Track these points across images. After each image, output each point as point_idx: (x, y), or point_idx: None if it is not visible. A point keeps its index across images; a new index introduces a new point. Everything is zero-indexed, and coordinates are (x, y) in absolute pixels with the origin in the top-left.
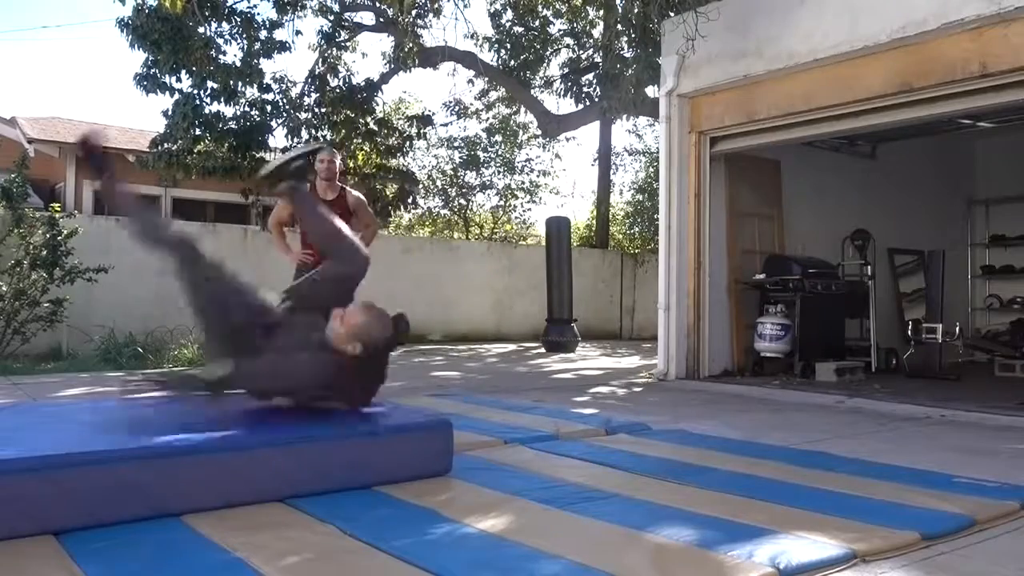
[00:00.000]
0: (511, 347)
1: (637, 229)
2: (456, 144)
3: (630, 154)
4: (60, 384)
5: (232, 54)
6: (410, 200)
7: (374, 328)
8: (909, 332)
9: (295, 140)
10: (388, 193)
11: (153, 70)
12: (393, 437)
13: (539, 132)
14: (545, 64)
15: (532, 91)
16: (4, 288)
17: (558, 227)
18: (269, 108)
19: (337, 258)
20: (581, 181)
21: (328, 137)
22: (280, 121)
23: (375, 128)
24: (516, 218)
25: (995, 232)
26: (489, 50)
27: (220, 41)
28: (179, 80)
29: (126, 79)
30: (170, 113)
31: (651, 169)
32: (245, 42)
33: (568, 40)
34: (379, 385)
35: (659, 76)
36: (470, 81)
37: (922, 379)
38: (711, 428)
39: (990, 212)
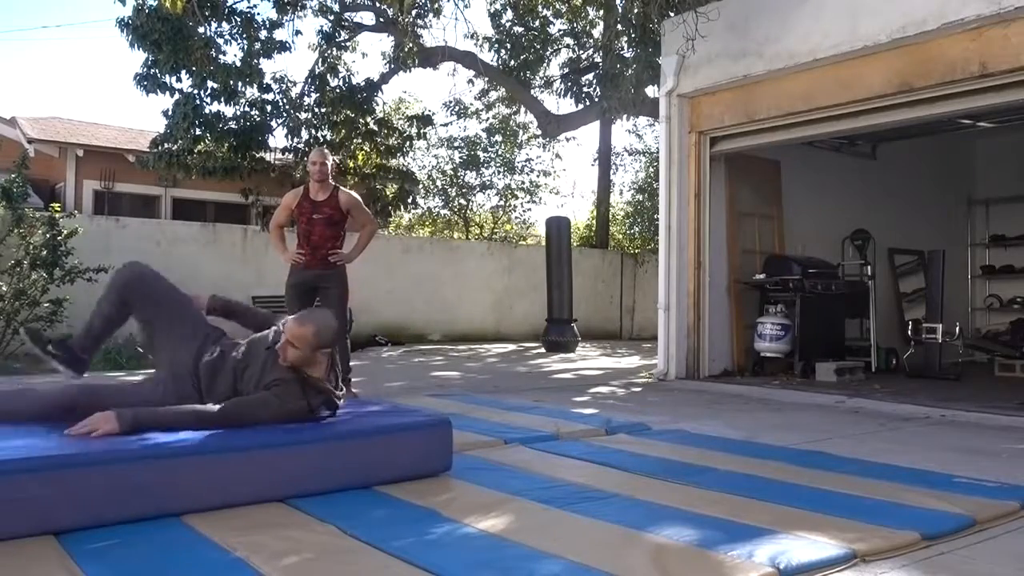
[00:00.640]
0: (511, 347)
1: (637, 229)
2: (456, 144)
3: (630, 154)
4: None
5: (232, 54)
6: (410, 200)
7: (321, 328)
8: (909, 332)
9: (295, 140)
10: (388, 193)
11: (153, 70)
12: (393, 437)
13: (539, 132)
14: (545, 64)
15: (532, 91)
16: (4, 288)
17: (558, 227)
18: (269, 108)
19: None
20: (581, 181)
21: (328, 137)
22: (280, 121)
23: (375, 128)
24: (516, 218)
25: (995, 232)
26: (489, 50)
27: (220, 41)
28: (179, 80)
29: (126, 79)
30: (170, 113)
31: (651, 169)
32: (245, 42)
33: (568, 40)
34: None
35: (659, 76)
36: (470, 81)
37: (922, 379)
38: (711, 428)
39: (990, 212)
